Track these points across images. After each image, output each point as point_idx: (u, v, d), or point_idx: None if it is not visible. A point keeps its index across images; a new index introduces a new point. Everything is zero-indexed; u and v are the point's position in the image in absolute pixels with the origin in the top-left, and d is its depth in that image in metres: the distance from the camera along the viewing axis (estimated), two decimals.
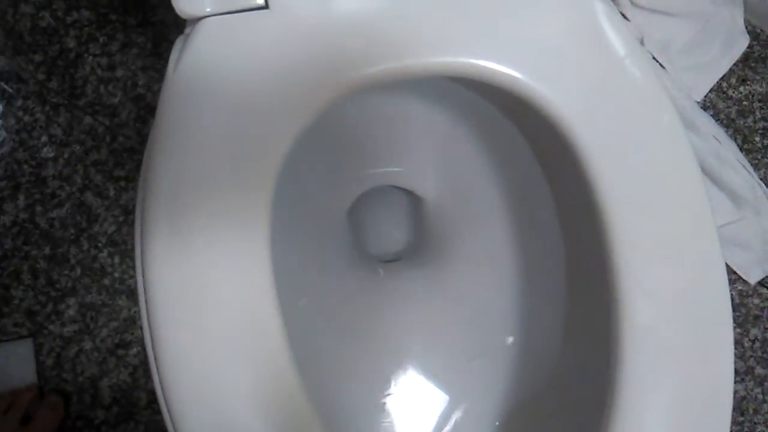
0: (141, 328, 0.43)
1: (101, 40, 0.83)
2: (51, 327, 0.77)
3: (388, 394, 0.59)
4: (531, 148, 0.56)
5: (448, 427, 0.60)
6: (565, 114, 0.46)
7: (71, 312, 0.77)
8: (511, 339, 0.60)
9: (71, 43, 0.82)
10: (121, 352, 0.77)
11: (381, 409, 0.59)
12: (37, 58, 0.81)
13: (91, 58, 0.82)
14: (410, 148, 0.62)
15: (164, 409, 0.41)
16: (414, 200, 0.64)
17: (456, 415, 0.59)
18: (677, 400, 0.44)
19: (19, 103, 0.80)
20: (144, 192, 0.42)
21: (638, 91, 0.48)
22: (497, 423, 0.59)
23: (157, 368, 0.40)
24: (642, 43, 0.88)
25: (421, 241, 0.64)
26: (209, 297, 0.40)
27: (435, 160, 0.62)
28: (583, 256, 0.53)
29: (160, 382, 0.40)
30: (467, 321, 0.62)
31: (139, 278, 0.43)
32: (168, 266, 0.40)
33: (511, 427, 0.58)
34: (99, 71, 0.82)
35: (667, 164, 0.48)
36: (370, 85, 0.44)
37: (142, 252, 0.41)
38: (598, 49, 0.47)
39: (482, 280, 0.63)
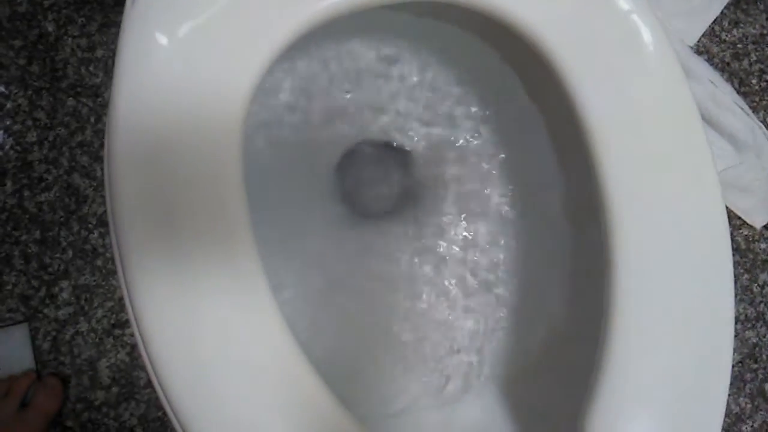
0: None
1: (80, 21, 0.82)
2: (46, 311, 0.76)
3: (380, 350, 0.58)
4: (522, 85, 0.54)
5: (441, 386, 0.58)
6: (549, 40, 0.45)
7: (65, 295, 0.76)
8: (504, 292, 0.59)
9: (50, 27, 0.81)
10: (117, 332, 0.76)
11: (374, 364, 0.58)
12: (17, 43, 0.80)
13: (70, 40, 0.81)
14: (394, 98, 0.60)
15: None
16: (401, 153, 0.62)
17: (448, 370, 0.57)
18: (675, 350, 0.42)
19: (2, 89, 0.79)
20: (113, 216, 0.40)
21: (628, 23, 0.46)
22: (492, 381, 0.57)
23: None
24: None
25: (412, 195, 0.63)
26: (217, 345, 0.38)
27: (420, 109, 0.61)
28: (581, 196, 0.52)
29: None
30: (460, 276, 0.61)
31: (133, 324, 0.40)
32: (166, 318, 0.38)
33: (510, 383, 0.57)
34: (79, 53, 0.81)
35: (659, 93, 0.46)
36: (338, 14, 0.42)
37: (133, 305, 0.39)
38: None
39: (475, 232, 0.61)
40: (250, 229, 0.40)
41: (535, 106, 0.55)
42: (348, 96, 0.58)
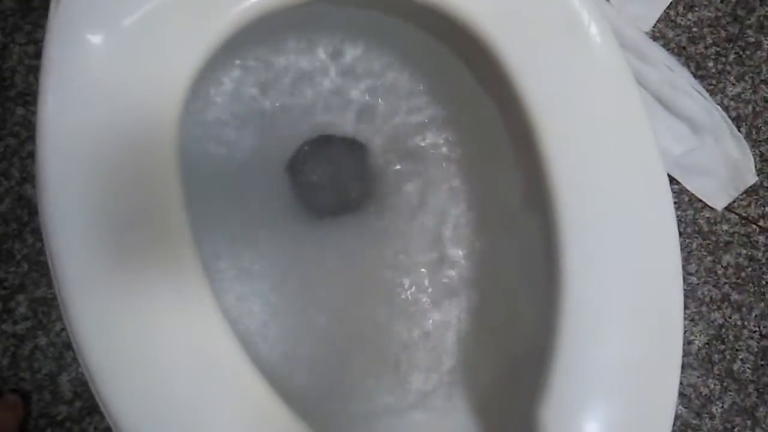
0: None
1: (26, 28, 0.80)
2: (3, 326, 0.74)
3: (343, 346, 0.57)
4: (468, 70, 0.54)
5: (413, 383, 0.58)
6: (491, 31, 0.45)
7: (22, 309, 0.74)
8: (468, 289, 0.58)
9: None
10: None
11: (335, 364, 0.57)
12: None
13: (17, 47, 0.79)
14: (343, 92, 0.59)
15: None
16: (354, 148, 0.62)
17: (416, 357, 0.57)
18: (625, 337, 0.42)
19: None
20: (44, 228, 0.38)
21: (568, 11, 0.46)
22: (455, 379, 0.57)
23: None
24: None
25: (366, 191, 0.62)
26: (158, 352, 0.38)
27: (370, 102, 0.60)
28: (534, 180, 0.51)
29: None
30: (419, 269, 0.60)
31: (72, 337, 0.39)
32: (103, 331, 0.38)
33: (477, 383, 0.56)
34: (27, 60, 0.79)
35: (599, 78, 0.46)
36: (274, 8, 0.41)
37: (69, 320, 0.38)
38: None
39: (433, 225, 0.61)
40: (189, 231, 0.39)
41: (487, 96, 0.54)
42: (293, 95, 0.57)
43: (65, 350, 0.74)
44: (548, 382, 0.39)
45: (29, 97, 0.78)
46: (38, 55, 0.79)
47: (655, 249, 0.42)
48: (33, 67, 0.79)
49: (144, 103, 0.40)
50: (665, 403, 0.41)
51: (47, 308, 0.75)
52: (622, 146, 0.44)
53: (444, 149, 0.61)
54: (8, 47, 0.79)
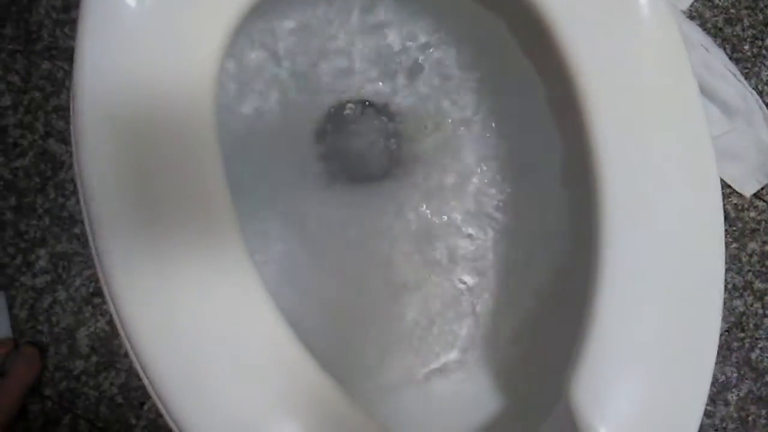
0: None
1: None
2: (22, 279, 0.74)
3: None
4: (517, 44, 0.52)
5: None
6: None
7: (42, 263, 0.75)
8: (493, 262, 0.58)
9: None
10: (96, 300, 0.75)
11: (357, 334, 0.57)
12: None
13: (44, 1, 0.79)
14: (381, 57, 0.58)
15: None
16: (386, 114, 0.61)
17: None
18: (663, 313, 0.41)
19: None
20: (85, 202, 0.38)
21: None
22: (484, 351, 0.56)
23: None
24: None
25: (395, 158, 0.61)
26: (203, 330, 0.37)
27: (409, 68, 0.59)
28: (577, 160, 0.50)
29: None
30: (446, 245, 0.60)
31: (114, 315, 0.38)
32: (147, 310, 0.36)
33: (501, 355, 0.56)
34: (53, 14, 0.78)
35: (651, 49, 0.44)
36: None
37: (112, 294, 0.37)
38: None
39: (465, 198, 0.60)
40: (228, 196, 0.39)
41: (530, 65, 0.53)
42: (324, 57, 0.56)
43: (84, 305, 0.75)
44: (582, 355, 0.39)
45: (55, 51, 0.78)
46: (66, 9, 0.79)
47: (699, 231, 0.41)
48: (60, 21, 0.78)
49: (180, 63, 0.39)
50: (699, 386, 0.40)
51: (67, 263, 0.75)
52: (671, 124, 0.42)
53: (477, 116, 0.59)
54: (35, 0, 0.78)
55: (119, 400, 0.74)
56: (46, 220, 0.75)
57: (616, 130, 0.41)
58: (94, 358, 0.74)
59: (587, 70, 0.43)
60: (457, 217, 0.59)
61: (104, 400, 0.74)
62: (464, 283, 0.58)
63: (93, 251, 0.38)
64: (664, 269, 0.41)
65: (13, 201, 0.75)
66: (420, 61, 0.59)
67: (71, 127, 0.41)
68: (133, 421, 0.74)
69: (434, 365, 0.57)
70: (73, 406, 0.73)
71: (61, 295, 0.75)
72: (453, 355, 0.56)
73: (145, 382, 0.37)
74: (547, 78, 0.51)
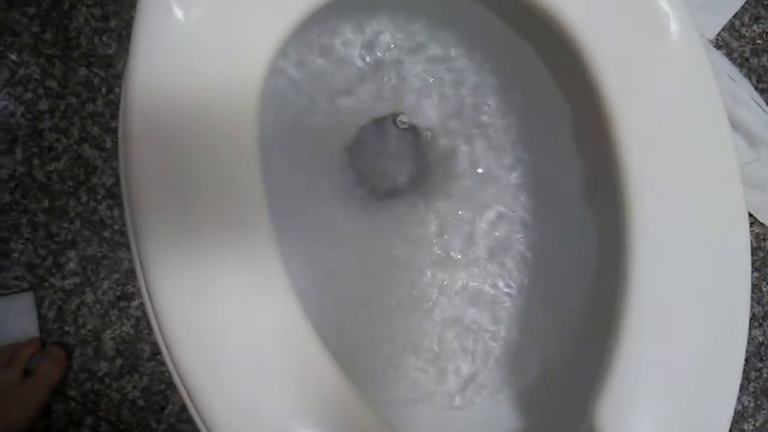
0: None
1: None
2: (52, 280, 0.76)
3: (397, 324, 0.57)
4: (544, 65, 0.53)
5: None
6: (576, 23, 0.44)
7: (72, 265, 0.76)
8: (516, 289, 0.58)
9: None
10: (123, 304, 0.76)
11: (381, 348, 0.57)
12: (31, 10, 0.80)
13: (84, 8, 0.80)
14: (409, 78, 0.59)
15: None
16: (415, 133, 0.62)
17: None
18: (688, 342, 0.41)
19: (14, 56, 0.79)
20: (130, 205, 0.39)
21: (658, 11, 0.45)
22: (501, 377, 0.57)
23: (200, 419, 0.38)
24: None
25: (426, 174, 0.62)
26: (230, 327, 0.38)
27: (437, 90, 0.60)
28: (599, 184, 0.51)
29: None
30: (475, 256, 0.60)
31: (146, 300, 0.40)
32: (178, 300, 0.38)
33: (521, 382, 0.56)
34: (93, 22, 0.80)
35: (685, 85, 0.45)
36: None
37: (147, 281, 0.38)
38: None
39: (489, 220, 0.61)
40: (266, 208, 0.40)
41: (560, 92, 0.54)
42: (363, 73, 0.57)
43: (110, 308, 0.76)
44: (608, 375, 0.39)
45: (93, 59, 0.80)
46: (105, 18, 0.80)
47: (725, 256, 0.42)
48: (98, 29, 0.80)
49: (226, 78, 0.40)
50: (722, 414, 0.40)
51: (96, 266, 0.76)
52: (699, 149, 0.43)
53: (499, 134, 0.60)
54: (76, 7, 0.80)
55: (141, 403, 0.75)
56: (78, 224, 0.77)
57: (645, 161, 0.42)
58: (118, 361, 0.75)
59: (616, 97, 0.44)
60: (482, 254, 0.59)
61: (126, 402, 0.75)
62: (485, 305, 0.58)
63: (134, 253, 0.40)
64: (691, 299, 0.42)
65: (46, 203, 0.77)
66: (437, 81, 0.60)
67: (119, 135, 0.42)
68: (154, 425, 0.75)
69: (452, 384, 0.57)
70: (96, 408, 0.75)
71: (89, 297, 0.76)
72: (471, 372, 0.56)
73: (173, 372, 0.39)
74: (575, 103, 0.52)
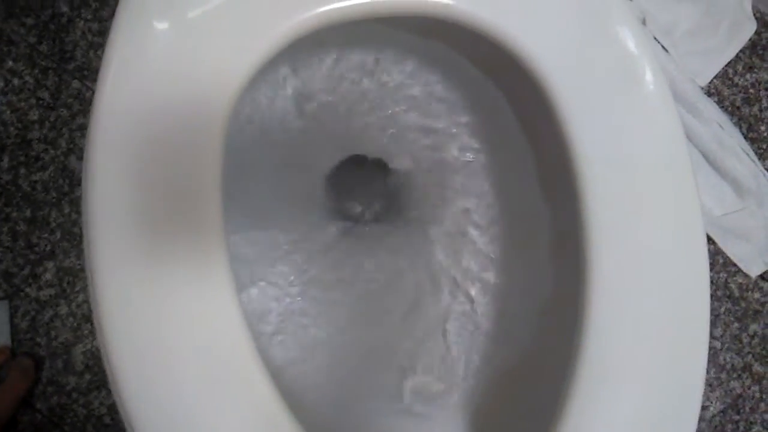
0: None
1: (93, 5, 0.82)
2: (27, 290, 0.76)
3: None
4: (511, 109, 0.54)
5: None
6: (543, 67, 0.44)
7: (48, 276, 0.76)
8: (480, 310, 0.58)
9: (63, 8, 0.81)
10: None
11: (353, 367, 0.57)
12: (29, 21, 0.81)
13: (82, 22, 0.82)
14: (380, 116, 0.60)
15: None
16: (385, 168, 0.62)
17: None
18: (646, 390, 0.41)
19: (9, 65, 0.80)
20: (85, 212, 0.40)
21: (626, 57, 0.45)
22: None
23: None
24: (644, 23, 0.86)
25: (398, 205, 0.62)
26: (176, 343, 0.38)
27: (404, 131, 0.60)
28: (564, 219, 0.51)
29: None
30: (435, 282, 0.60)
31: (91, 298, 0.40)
32: (125, 312, 0.38)
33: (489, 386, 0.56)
34: (89, 36, 0.81)
35: (650, 129, 0.45)
36: (332, 22, 0.42)
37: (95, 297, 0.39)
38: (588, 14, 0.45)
39: (458, 245, 0.60)
40: (221, 225, 0.40)
41: (525, 137, 0.54)
42: (336, 106, 0.58)
43: (83, 322, 0.76)
44: (564, 415, 0.39)
45: (86, 72, 0.81)
46: (101, 32, 0.81)
47: (684, 310, 0.42)
48: (95, 44, 0.81)
49: (198, 95, 0.41)
50: None
51: (73, 278, 0.76)
52: (664, 201, 0.43)
53: (473, 181, 0.60)
54: (74, 21, 0.81)
55: (107, 420, 0.74)
56: (58, 234, 0.77)
57: (608, 214, 0.42)
58: (87, 376, 0.75)
59: (582, 147, 0.44)
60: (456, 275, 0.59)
61: (92, 418, 0.74)
62: (451, 340, 0.58)
63: (86, 259, 0.40)
64: (647, 346, 0.41)
65: (28, 213, 0.77)
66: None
67: (86, 139, 0.43)
68: None
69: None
70: (61, 422, 0.74)
71: (63, 309, 0.76)
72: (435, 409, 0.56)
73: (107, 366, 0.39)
74: (540, 150, 0.52)
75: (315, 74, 0.58)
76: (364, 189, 0.64)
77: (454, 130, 0.57)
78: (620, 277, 0.41)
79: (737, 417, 0.82)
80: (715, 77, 0.89)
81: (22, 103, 0.79)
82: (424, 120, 0.60)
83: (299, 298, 0.59)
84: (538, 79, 0.44)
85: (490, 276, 0.57)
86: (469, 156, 0.58)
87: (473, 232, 0.59)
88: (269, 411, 0.38)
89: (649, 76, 0.45)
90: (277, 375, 0.40)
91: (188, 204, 0.40)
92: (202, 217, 0.40)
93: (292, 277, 0.59)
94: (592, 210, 0.42)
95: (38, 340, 0.75)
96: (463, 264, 0.59)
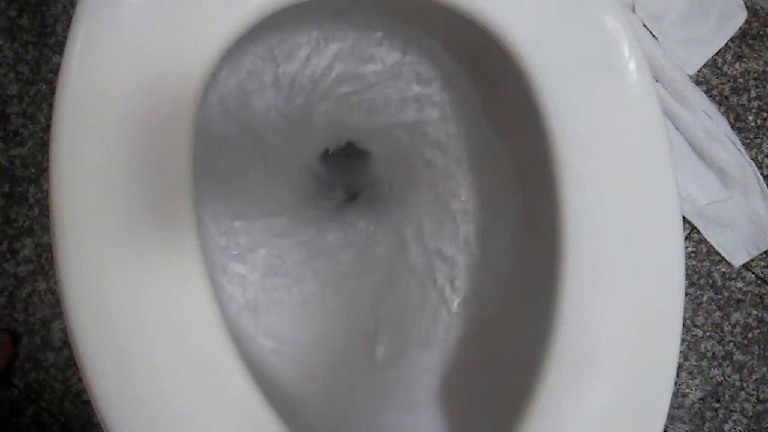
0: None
1: None
2: (5, 265, 0.75)
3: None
4: (485, 95, 0.53)
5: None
6: (522, 48, 0.44)
7: (26, 252, 0.75)
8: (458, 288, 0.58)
9: None
10: None
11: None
12: None
13: None
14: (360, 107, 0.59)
15: None
16: (364, 153, 0.61)
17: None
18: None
19: None
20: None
21: (608, 43, 0.45)
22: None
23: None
24: (633, 10, 0.85)
25: (378, 188, 0.62)
26: (147, 334, 0.37)
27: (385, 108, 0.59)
28: (538, 204, 0.50)
29: None
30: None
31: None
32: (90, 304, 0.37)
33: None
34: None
35: (629, 116, 0.44)
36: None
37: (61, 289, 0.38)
38: None
39: (436, 227, 0.60)
40: (191, 204, 0.39)
41: (492, 126, 0.54)
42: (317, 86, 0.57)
43: None
44: (525, 419, 0.39)
45: None
46: None
47: (658, 296, 0.41)
48: None
49: (170, 68, 0.40)
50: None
51: (51, 255, 0.75)
52: (641, 188, 0.42)
53: (441, 163, 0.60)
54: None
55: (85, 397, 0.74)
56: (36, 210, 0.76)
57: (584, 193, 0.42)
58: (65, 352, 0.74)
59: (561, 127, 0.43)
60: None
61: (70, 395, 0.74)
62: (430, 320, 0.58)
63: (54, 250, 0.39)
64: (619, 332, 0.41)
65: (6, 188, 0.76)
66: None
67: (53, 110, 0.42)
68: (96, 420, 0.74)
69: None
70: (39, 398, 0.74)
71: (41, 286, 0.75)
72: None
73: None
74: (517, 137, 0.52)
75: (296, 59, 0.58)
76: (346, 174, 0.63)
77: (432, 116, 0.57)
78: (594, 260, 0.41)
79: (717, 405, 0.82)
80: (704, 66, 0.88)
81: (1, 77, 0.78)
82: (402, 107, 0.59)
83: (278, 278, 0.59)
84: (516, 61, 0.43)
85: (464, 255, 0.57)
86: (446, 141, 0.57)
87: (452, 217, 0.58)
88: (241, 395, 0.38)
89: (631, 65, 0.44)
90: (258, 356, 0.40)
91: (158, 183, 0.39)
92: (173, 198, 0.39)
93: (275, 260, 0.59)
94: (568, 194, 0.42)
95: (16, 315, 0.74)
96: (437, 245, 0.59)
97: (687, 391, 0.83)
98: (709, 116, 0.84)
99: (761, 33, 0.89)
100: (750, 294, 0.84)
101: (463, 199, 0.56)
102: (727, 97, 0.88)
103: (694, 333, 0.83)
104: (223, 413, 0.38)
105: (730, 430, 0.82)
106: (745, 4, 0.89)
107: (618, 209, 0.43)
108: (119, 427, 0.36)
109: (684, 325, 0.52)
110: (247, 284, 0.58)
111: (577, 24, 0.44)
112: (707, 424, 0.82)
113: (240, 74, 0.56)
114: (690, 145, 0.84)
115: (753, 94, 0.88)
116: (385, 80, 0.58)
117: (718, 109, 0.87)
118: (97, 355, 0.37)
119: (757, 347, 0.83)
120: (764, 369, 0.83)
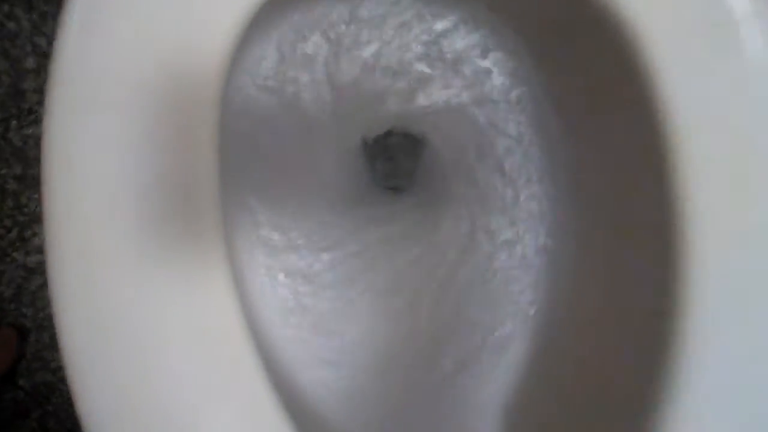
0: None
1: None
2: (15, 254, 0.69)
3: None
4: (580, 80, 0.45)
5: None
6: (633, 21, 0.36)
7: (38, 241, 0.69)
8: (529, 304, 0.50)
9: None
10: None
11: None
12: None
13: None
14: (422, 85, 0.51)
15: None
16: (422, 142, 0.54)
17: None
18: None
19: (5, 9, 0.73)
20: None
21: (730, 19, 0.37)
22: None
23: None
24: None
25: (432, 179, 0.54)
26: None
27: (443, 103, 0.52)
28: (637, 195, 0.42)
29: None
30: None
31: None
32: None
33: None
34: None
35: (754, 98, 0.37)
36: None
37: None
38: None
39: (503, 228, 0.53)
40: (218, 206, 0.32)
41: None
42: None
43: None
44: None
45: None
46: None
47: None
48: None
49: (184, 48, 0.33)
50: None
51: None
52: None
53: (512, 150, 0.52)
54: None
55: None
56: None
57: (709, 185, 0.34)
58: None
59: (677, 112, 0.35)
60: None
61: None
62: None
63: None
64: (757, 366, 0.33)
65: (18, 170, 0.70)
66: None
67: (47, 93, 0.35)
68: None
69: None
70: (45, 402, 0.67)
71: None
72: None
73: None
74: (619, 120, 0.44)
75: (345, 43, 0.50)
76: (399, 163, 0.56)
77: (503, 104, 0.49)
78: (723, 265, 0.33)
79: None
80: None
81: (17, 50, 0.72)
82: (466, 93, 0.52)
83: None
84: (627, 35, 0.36)
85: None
86: (516, 132, 0.50)
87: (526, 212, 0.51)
88: (254, 392, 0.30)
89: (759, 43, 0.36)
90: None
91: (182, 173, 0.32)
92: (195, 196, 0.32)
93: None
94: (691, 187, 0.34)
95: (24, 310, 0.68)
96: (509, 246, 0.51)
97: None
98: None
99: None
100: None
101: (539, 193, 0.48)
102: None
103: None
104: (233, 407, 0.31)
105: None
106: None
107: (749, 202, 0.35)
108: None
109: None
110: (305, 295, 0.52)
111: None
112: None
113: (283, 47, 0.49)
114: None
115: None
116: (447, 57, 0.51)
117: None
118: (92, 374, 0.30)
119: None
120: None
